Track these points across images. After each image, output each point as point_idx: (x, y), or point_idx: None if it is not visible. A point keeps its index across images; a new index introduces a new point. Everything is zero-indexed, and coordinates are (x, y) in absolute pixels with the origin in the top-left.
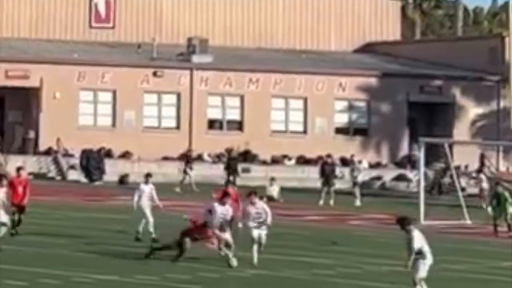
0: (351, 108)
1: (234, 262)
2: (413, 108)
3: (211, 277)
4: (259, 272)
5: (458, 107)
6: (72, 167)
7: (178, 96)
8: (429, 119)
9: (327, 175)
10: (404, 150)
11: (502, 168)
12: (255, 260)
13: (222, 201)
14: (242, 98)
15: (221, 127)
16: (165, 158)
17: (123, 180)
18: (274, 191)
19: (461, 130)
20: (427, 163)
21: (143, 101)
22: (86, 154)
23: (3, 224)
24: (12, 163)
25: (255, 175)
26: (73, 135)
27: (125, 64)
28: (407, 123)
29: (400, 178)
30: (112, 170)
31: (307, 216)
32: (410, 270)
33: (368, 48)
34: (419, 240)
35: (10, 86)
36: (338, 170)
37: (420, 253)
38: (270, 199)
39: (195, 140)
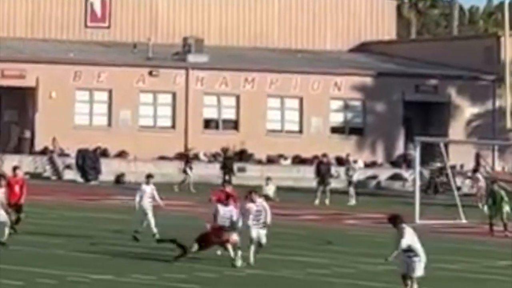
0: (346, 107)
1: (239, 262)
2: (408, 108)
3: (207, 277)
4: (255, 271)
5: (454, 107)
6: (68, 166)
7: (174, 95)
8: (425, 118)
9: (322, 174)
10: (399, 149)
11: (498, 167)
12: (252, 259)
13: (225, 202)
14: (237, 98)
15: (216, 127)
16: (161, 158)
17: (119, 179)
18: (270, 190)
19: (456, 130)
20: (423, 163)
21: (139, 101)
22: (82, 154)
23: (2, 223)
24: (8, 163)
25: (251, 174)
26: (69, 135)
27: (121, 64)
28: (403, 122)
29: (395, 177)
30: (108, 170)
31: (302, 216)
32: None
33: (363, 48)
34: (409, 238)
35: (6, 85)
36: (333, 170)
37: (411, 251)
38: (266, 198)
39: (191, 140)
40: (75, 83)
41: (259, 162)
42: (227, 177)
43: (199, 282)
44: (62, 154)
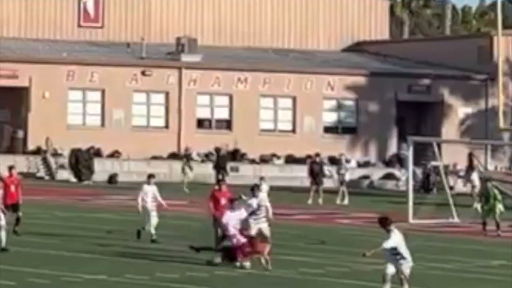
0: (339, 107)
1: (248, 264)
2: (401, 107)
3: (200, 277)
4: (248, 271)
5: (447, 106)
6: (61, 166)
7: (167, 95)
8: (418, 118)
9: (315, 174)
10: (392, 149)
11: (490, 167)
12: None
13: (232, 207)
14: (230, 97)
15: (210, 126)
16: (154, 157)
17: (112, 179)
18: (263, 190)
19: (449, 129)
20: (416, 162)
21: (132, 100)
22: (75, 154)
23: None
24: (1, 163)
25: (244, 174)
26: (62, 135)
27: (114, 64)
28: (396, 122)
29: (388, 176)
30: (101, 170)
31: (295, 215)
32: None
33: (356, 47)
34: (395, 240)
35: None
36: (326, 169)
37: (398, 254)
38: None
39: (184, 139)
40: (68, 83)
41: (252, 161)
42: (220, 176)
43: (191, 282)
44: (55, 154)
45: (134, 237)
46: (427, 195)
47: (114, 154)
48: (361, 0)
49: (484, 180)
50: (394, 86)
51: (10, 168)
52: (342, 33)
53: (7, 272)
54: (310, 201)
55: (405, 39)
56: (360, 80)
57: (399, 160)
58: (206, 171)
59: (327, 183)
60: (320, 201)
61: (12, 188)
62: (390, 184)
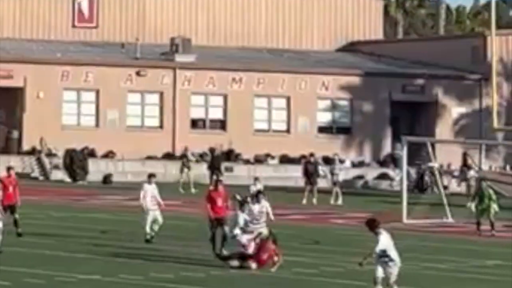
0: (334, 107)
1: (254, 265)
2: (395, 107)
3: (195, 277)
4: (242, 271)
5: (441, 106)
6: (55, 167)
7: (161, 95)
8: (412, 118)
9: (310, 174)
10: (386, 149)
11: (484, 167)
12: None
13: (241, 209)
14: (225, 97)
15: (204, 126)
16: (149, 158)
17: (106, 179)
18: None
19: (443, 129)
20: (410, 162)
21: (127, 101)
22: (70, 154)
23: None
24: None
25: (238, 174)
26: (57, 135)
27: (109, 64)
28: (390, 122)
29: (382, 177)
30: (95, 170)
31: (290, 215)
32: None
33: (350, 47)
34: (384, 242)
35: None
36: (321, 169)
37: (386, 256)
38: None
39: (178, 139)
40: (63, 83)
41: (247, 161)
42: (215, 177)
43: (186, 282)
44: (50, 154)
45: (129, 237)
46: (422, 195)
47: (109, 154)
48: (355, 0)
49: (478, 179)
50: (388, 86)
51: (9, 168)
52: (336, 33)
53: (1, 272)
54: (304, 201)
55: (399, 39)
56: (354, 80)
57: (393, 160)
58: (200, 171)
59: (322, 183)
60: (315, 201)
61: (10, 189)
62: (384, 184)
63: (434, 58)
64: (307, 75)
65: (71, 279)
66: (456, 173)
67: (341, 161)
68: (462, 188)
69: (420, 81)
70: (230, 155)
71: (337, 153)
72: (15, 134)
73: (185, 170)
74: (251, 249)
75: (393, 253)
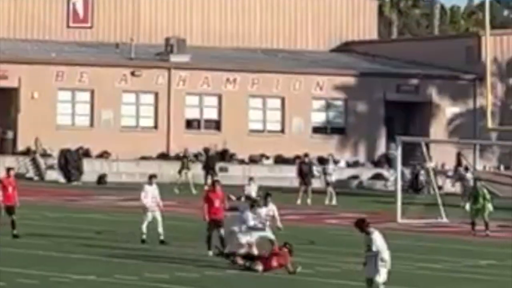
0: (328, 107)
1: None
2: (390, 107)
3: (189, 277)
4: (237, 271)
5: (435, 106)
6: (50, 167)
7: (156, 95)
8: (406, 118)
9: (304, 174)
10: (381, 149)
11: (479, 167)
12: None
13: (252, 210)
14: (219, 98)
15: (198, 127)
16: (143, 158)
17: (101, 180)
18: (252, 190)
19: (437, 129)
20: (404, 162)
21: (121, 101)
22: (64, 154)
23: None
24: None
25: (233, 174)
26: (51, 135)
27: (103, 64)
28: (384, 122)
29: (377, 177)
30: (90, 170)
31: (284, 215)
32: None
33: (345, 47)
34: (378, 243)
35: None
36: (315, 170)
37: (377, 256)
38: (248, 198)
39: (173, 140)
40: (57, 83)
41: (241, 162)
42: (210, 177)
43: (181, 282)
44: (45, 155)
45: (124, 238)
46: (416, 195)
47: (103, 155)
48: (350, 0)
49: (473, 179)
50: (383, 86)
51: (8, 169)
52: (331, 33)
53: None
54: (299, 202)
55: (394, 39)
56: (349, 80)
57: (387, 160)
58: (195, 172)
59: (316, 184)
60: (309, 201)
61: (10, 189)
62: (378, 184)
63: (429, 58)
64: (301, 76)
65: (66, 280)
66: (450, 173)
67: (336, 162)
68: (457, 188)
69: (414, 81)
70: (224, 155)
71: (332, 154)
72: (9, 134)
73: (184, 171)
74: (255, 251)
75: (385, 254)
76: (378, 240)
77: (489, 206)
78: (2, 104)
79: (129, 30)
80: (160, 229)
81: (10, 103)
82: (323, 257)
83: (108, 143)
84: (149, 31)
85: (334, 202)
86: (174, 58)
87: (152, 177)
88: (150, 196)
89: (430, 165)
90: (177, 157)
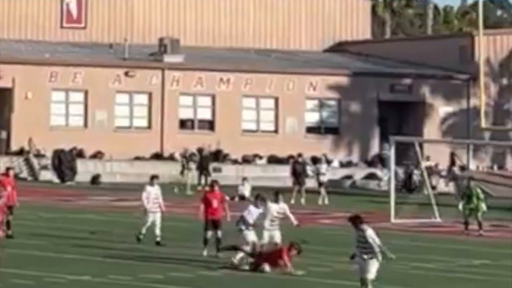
0: (322, 107)
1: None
2: (383, 107)
3: (183, 277)
4: (231, 271)
5: (428, 106)
6: (44, 167)
7: (150, 96)
8: (399, 118)
9: (298, 174)
10: (374, 148)
11: (472, 166)
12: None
13: (256, 203)
14: (213, 98)
15: (192, 127)
16: (137, 158)
17: (95, 180)
18: (246, 190)
19: (431, 129)
20: (398, 162)
21: (115, 101)
22: (58, 154)
23: None
24: None
25: (227, 174)
26: (45, 135)
27: (97, 64)
28: (378, 122)
29: (370, 177)
30: (84, 170)
31: None
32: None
33: (338, 47)
34: (374, 235)
35: None
36: (309, 169)
37: (373, 253)
38: (242, 198)
39: (166, 140)
40: (51, 83)
41: (235, 162)
42: (204, 178)
43: (175, 282)
44: (38, 155)
45: (119, 238)
46: (409, 195)
47: (97, 155)
48: (343, 1)
49: (467, 179)
50: (376, 86)
51: (8, 169)
52: (324, 33)
53: None
54: (292, 201)
55: (387, 39)
56: (342, 80)
57: (381, 160)
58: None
59: (310, 184)
60: (303, 201)
61: (9, 189)
62: (372, 184)
63: (422, 58)
64: (295, 76)
65: (60, 280)
66: (443, 173)
67: (329, 161)
68: (450, 188)
69: (408, 81)
70: (218, 156)
71: (325, 153)
72: (3, 134)
73: (185, 171)
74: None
75: (378, 241)
76: (373, 234)
77: (483, 206)
78: None
79: (122, 30)
80: (158, 231)
81: (4, 103)
82: (316, 257)
83: (102, 143)
84: (142, 32)
85: (326, 201)
86: (167, 59)
87: (153, 177)
88: (152, 197)
89: (426, 164)
90: (171, 157)
